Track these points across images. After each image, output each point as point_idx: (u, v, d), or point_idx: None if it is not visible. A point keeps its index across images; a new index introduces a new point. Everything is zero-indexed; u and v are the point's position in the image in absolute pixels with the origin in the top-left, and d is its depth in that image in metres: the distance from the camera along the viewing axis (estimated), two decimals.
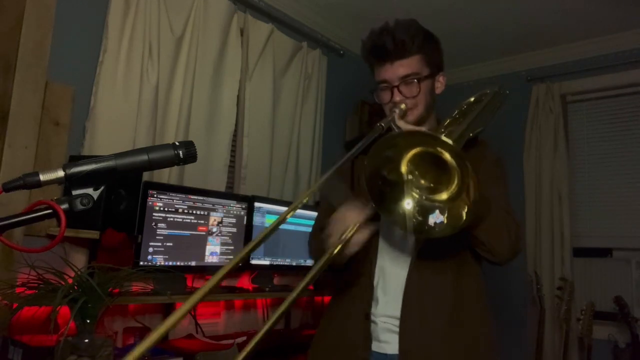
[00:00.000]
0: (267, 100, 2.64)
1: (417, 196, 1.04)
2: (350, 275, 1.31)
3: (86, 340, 1.37)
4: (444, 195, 1.02)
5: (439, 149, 0.98)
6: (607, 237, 3.01)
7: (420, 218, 1.03)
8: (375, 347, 1.23)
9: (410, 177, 1.04)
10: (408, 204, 1.03)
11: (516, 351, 3.00)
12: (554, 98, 3.15)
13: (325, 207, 1.39)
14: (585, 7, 2.70)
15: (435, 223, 1.01)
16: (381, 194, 1.04)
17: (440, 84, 1.31)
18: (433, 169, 1.02)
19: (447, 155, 0.97)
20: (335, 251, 0.99)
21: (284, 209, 2.52)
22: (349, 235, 1.04)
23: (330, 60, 3.08)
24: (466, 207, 0.97)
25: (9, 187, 0.65)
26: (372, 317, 1.24)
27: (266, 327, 0.67)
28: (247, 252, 0.72)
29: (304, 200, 0.87)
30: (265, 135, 2.63)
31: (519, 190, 3.19)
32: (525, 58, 3.34)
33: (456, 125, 1.23)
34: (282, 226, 2.78)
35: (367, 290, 1.25)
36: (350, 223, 1.08)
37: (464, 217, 0.98)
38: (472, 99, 1.41)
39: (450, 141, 0.94)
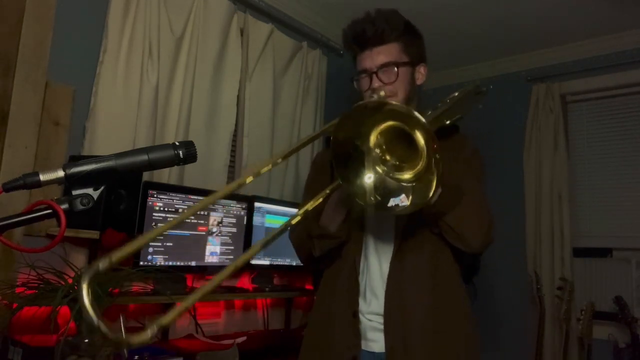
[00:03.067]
0: (267, 100, 2.64)
1: (381, 171, 1.02)
2: (335, 272, 1.32)
3: (86, 340, 1.37)
4: (407, 175, 1.00)
5: (411, 126, 0.96)
6: (607, 237, 3.00)
7: (380, 197, 1.01)
8: (363, 345, 1.24)
9: (377, 150, 1.02)
10: (369, 178, 1.02)
11: (516, 351, 3.00)
12: (554, 98, 3.15)
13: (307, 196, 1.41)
14: (585, 7, 2.70)
15: (397, 205, 0.99)
16: (347, 160, 1.02)
17: (421, 74, 1.32)
18: (402, 146, 1.01)
19: (417, 135, 0.95)
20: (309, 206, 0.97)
21: (284, 209, 2.52)
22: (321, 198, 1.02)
23: (330, 60, 3.08)
24: (429, 189, 0.95)
25: (9, 187, 0.65)
26: (360, 315, 1.25)
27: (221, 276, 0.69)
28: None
29: (264, 170, 0.87)
30: (265, 135, 2.63)
31: (519, 190, 3.19)
32: (525, 58, 3.34)
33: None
34: None
35: (353, 287, 1.26)
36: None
37: (427, 197, 0.96)
38: (456, 94, 1.42)
39: (422, 118, 0.92)
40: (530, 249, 3.08)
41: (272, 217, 2.46)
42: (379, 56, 1.24)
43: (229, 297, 2.29)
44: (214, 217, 2.17)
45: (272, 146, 2.66)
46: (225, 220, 2.21)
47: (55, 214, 0.66)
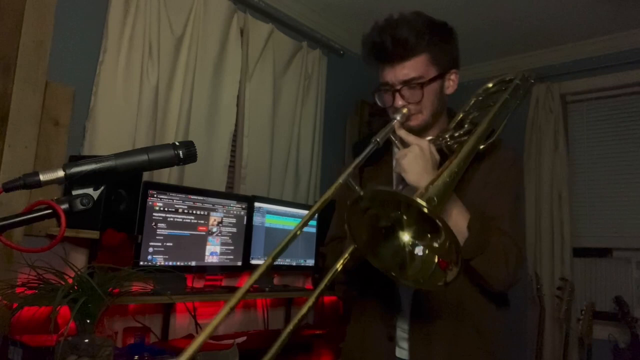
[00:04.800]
0: (267, 100, 2.64)
1: (408, 240, 0.93)
2: (371, 294, 1.26)
3: (86, 340, 1.37)
4: (431, 242, 0.91)
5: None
6: (607, 237, 3.01)
7: (410, 266, 0.92)
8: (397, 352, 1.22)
9: (403, 216, 0.93)
10: (396, 253, 0.92)
11: (516, 351, 3.00)
12: (554, 98, 3.15)
13: (338, 217, 1.35)
14: (585, 8, 2.70)
15: (417, 255, 0.92)
16: (375, 243, 0.93)
17: (452, 82, 1.21)
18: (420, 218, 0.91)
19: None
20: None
21: (284, 209, 2.52)
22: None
23: (330, 60, 3.07)
24: (442, 276, 0.87)
25: (9, 187, 0.65)
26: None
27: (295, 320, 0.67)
28: (273, 257, 0.72)
29: (316, 209, 0.85)
30: (265, 135, 2.63)
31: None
32: (525, 58, 3.34)
33: (469, 123, 1.14)
34: (282, 226, 2.76)
35: (390, 312, 1.20)
36: None
37: (438, 281, 0.88)
38: (490, 85, 1.33)
39: (424, 204, 0.81)
40: (530, 249, 3.08)
41: (272, 217, 2.46)
42: (401, 71, 1.10)
43: (229, 297, 2.28)
44: (214, 217, 2.17)
45: (272, 146, 2.67)
46: (226, 220, 2.21)
47: (55, 214, 0.66)
